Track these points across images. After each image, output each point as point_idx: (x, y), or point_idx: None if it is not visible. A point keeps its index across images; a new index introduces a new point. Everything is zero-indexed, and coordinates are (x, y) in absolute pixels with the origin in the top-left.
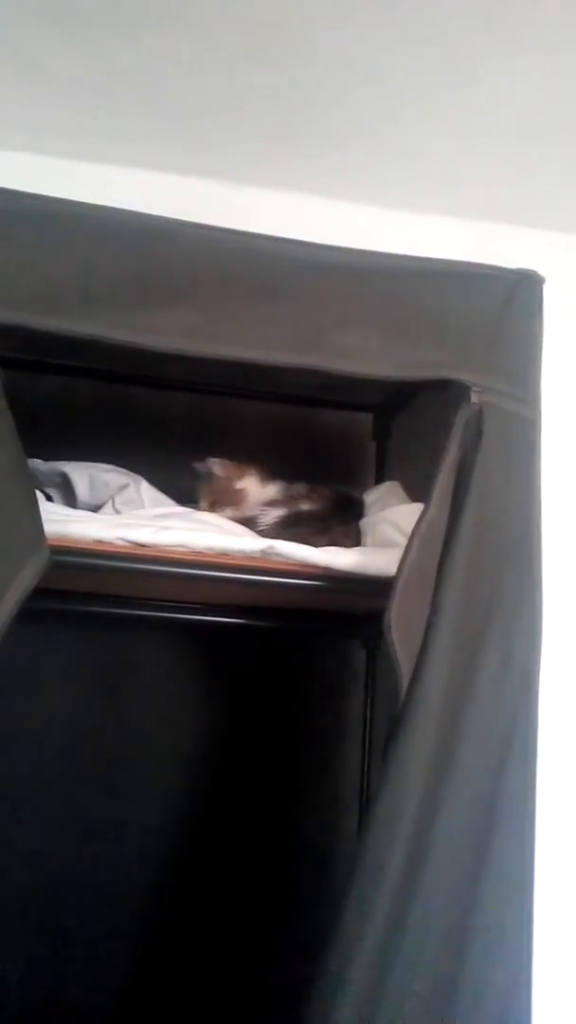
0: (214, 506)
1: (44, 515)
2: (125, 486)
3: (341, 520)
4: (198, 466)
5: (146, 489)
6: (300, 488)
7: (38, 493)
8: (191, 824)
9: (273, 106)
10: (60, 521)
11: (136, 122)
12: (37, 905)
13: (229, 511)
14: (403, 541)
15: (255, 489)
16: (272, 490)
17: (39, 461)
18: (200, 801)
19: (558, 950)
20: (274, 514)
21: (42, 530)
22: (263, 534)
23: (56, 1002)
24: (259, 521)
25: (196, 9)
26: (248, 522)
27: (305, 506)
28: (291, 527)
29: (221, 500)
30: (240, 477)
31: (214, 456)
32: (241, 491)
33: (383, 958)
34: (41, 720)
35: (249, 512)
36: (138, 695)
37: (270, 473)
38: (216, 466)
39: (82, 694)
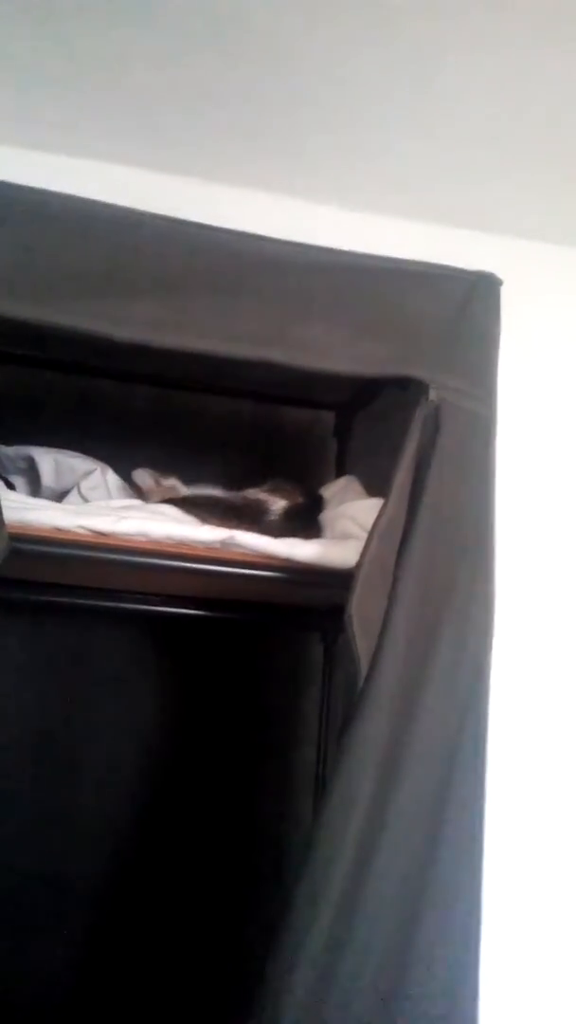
0: None
1: (3, 502)
2: (91, 471)
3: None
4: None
5: (112, 478)
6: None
7: None
8: (147, 814)
9: (240, 104)
10: (19, 509)
11: (102, 115)
12: None
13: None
14: (362, 535)
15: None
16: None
17: (1, 445)
18: (157, 792)
19: (505, 927)
20: (281, 504)
21: (1, 517)
22: (270, 525)
23: (8, 995)
24: (269, 509)
25: (166, 3)
26: (257, 506)
27: (301, 499)
28: (292, 520)
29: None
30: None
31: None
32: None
33: (335, 941)
34: None
35: (252, 496)
36: (95, 685)
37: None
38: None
39: (39, 684)
